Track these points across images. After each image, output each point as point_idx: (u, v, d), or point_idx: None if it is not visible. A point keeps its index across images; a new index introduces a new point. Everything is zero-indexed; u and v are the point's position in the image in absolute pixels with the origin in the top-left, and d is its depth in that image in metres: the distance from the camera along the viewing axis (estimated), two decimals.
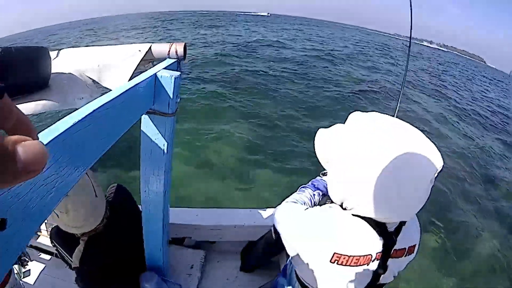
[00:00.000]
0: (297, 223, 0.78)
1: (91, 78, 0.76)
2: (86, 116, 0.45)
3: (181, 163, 4.02)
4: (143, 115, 0.78)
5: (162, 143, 0.84)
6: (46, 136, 0.36)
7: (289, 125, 5.69)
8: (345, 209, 0.73)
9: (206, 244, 1.71)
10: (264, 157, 4.44)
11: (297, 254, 0.76)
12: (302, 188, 1.00)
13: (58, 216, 1.01)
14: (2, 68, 0.55)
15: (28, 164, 0.16)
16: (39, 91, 0.65)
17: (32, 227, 0.34)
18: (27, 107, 0.58)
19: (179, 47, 0.86)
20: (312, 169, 3.70)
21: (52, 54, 0.83)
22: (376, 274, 0.73)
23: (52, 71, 0.71)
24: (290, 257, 0.83)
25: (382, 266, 0.72)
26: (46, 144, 0.35)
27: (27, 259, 1.54)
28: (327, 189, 0.84)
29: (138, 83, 0.65)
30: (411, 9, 1.35)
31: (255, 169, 4.15)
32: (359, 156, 0.65)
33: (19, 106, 0.59)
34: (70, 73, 0.72)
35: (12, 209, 0.29)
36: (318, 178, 1.05)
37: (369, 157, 0.63)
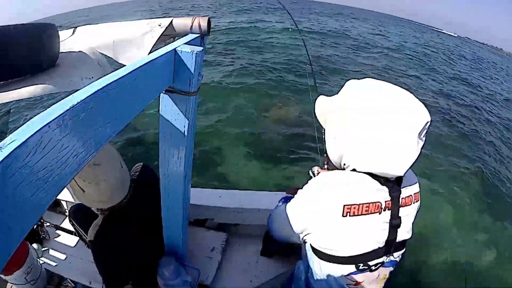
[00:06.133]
0: (299, 200, 0.80)
1: (104, 55, 0.69)
2: (87, 97, 0.38)
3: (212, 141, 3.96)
4: (162, 94, 0.71)
5: (183, 124, 0.77)
6: (43, 118, 0.32)
7: None
8: (344, 168, 0.77)
9: (228, 226, 1.65)
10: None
11: (308, 226, 0.76)
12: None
13: (84, 191, 0.96)
14: None
15: None
16: (45, 72, 0.58)
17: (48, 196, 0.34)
18: (24, 91, 0.52)
19: (202, 21, 0.78)
20: None
21: (68, 32, 0.77)
22: (392, 227, 0.73)
23: (65, 49, 0.65)
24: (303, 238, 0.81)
25: (396, 216, 0.73)
26: (43, 127, 0.31)
27: (46, 238, 1.57)
28: None
29: (154, 59, 0.56)
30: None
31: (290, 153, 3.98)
32: (352, 111, 0.70)
33: (14, 91, 0.54)
34: (80, 51, 0.66)
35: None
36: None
37: (361, 111, 0.69)
